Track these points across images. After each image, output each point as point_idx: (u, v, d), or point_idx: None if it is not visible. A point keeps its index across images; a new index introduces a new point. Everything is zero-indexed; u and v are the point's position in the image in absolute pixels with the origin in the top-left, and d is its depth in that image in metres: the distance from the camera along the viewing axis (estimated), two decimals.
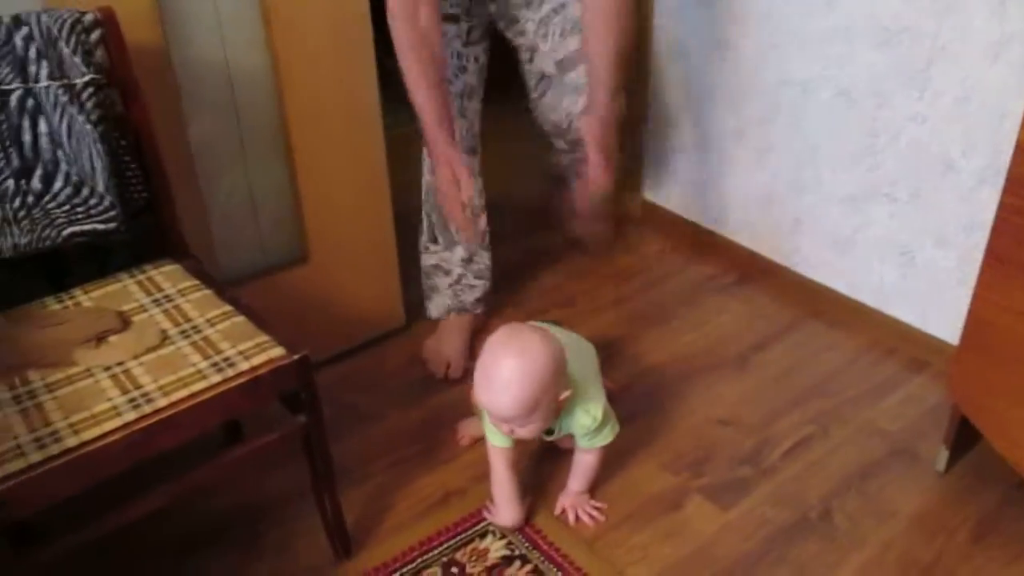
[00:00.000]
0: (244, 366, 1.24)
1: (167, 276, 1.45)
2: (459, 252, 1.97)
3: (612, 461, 1.66)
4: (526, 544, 1.51)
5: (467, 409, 1.78)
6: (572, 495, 1.58)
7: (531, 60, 1.79)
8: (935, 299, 1.90)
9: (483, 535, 1.53)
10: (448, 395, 1.88)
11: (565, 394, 1.41)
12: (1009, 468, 1.51)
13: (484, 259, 2.01)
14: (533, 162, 2.66)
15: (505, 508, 1.54)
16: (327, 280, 1.88)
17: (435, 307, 2.03)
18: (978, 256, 1.46)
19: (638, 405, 1.83)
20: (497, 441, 1.50)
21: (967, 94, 1.69)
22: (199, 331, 1.31)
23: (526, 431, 1.41)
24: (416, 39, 1.53)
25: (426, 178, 1.91)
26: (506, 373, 1.34)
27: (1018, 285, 1.38)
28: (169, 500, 1.24)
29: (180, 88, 1.53)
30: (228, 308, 1.37)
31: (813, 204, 2.06)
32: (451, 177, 1.60)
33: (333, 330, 1.94)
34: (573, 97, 1.78)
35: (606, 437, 1.51)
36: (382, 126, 1.83)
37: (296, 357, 1.26)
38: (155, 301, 1.38)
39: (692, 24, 2.19)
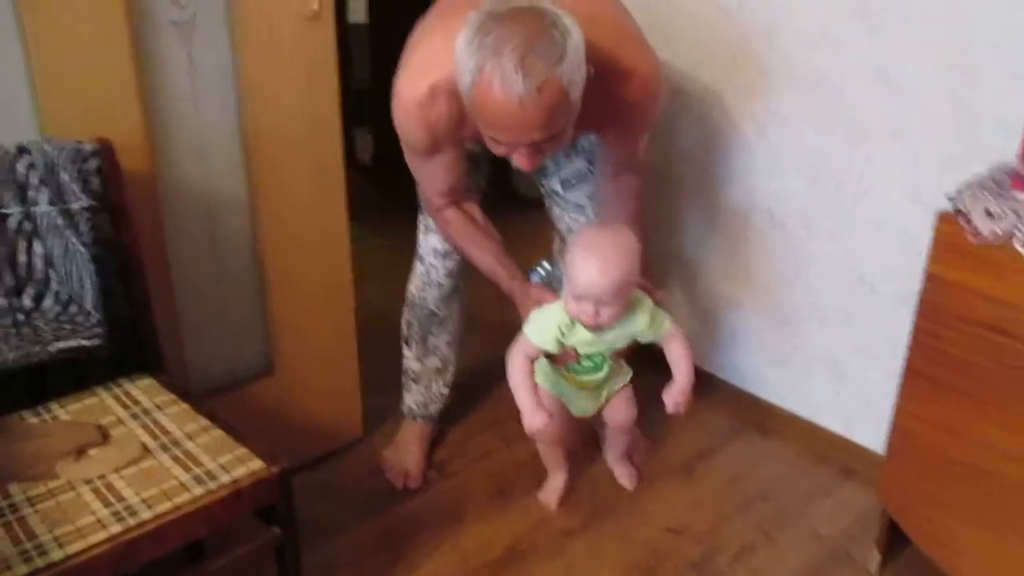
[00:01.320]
0: (226, 479, 1.29)
1: (143, 390, 1.50)
2: (432, 362, 2.04)
3: (571, 569, 1.72)
4: None
5: (427, 521, 1.84)
6: (676, 390, 1.67)
7: (542, 176, 1.92)
8: (862, 410, 2.05)
9: None
10: (408, 505, 1.93)
11: (636, 282, 1.59)
12: (938, 569, 1.62)
13: (453, 370, 2.09)
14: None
15: (532, 414, 1.64)
16: (291, 392, 1.94)
17: (407, 404, 2.09)
18: (899, 370, 1.61)
19: (593, 508, 1.91)
20: (551, 345, 1.62)
21: (882, 224, 1.88)
22: (179, 444, 1.36)
23: (609, 311, 1.54)
24: (452, 217, 1.73)
25: (410, 288, 1.98)
26: (608, 248, 1.52)
27: (935, 399, 1.53)
28: None
29: (164, 212, 1.62)
30: (206, 422, 1.42)
31: (751, 322, 2.22)
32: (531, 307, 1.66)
33: (295, 441, 1.97)
34: (575, 215, 1.92)
35: (667, 318, 1.68)
36: (349, 244, 1.94)
37: (276, 470, 1.32)
38: (133, 415, 1.43)
39: None
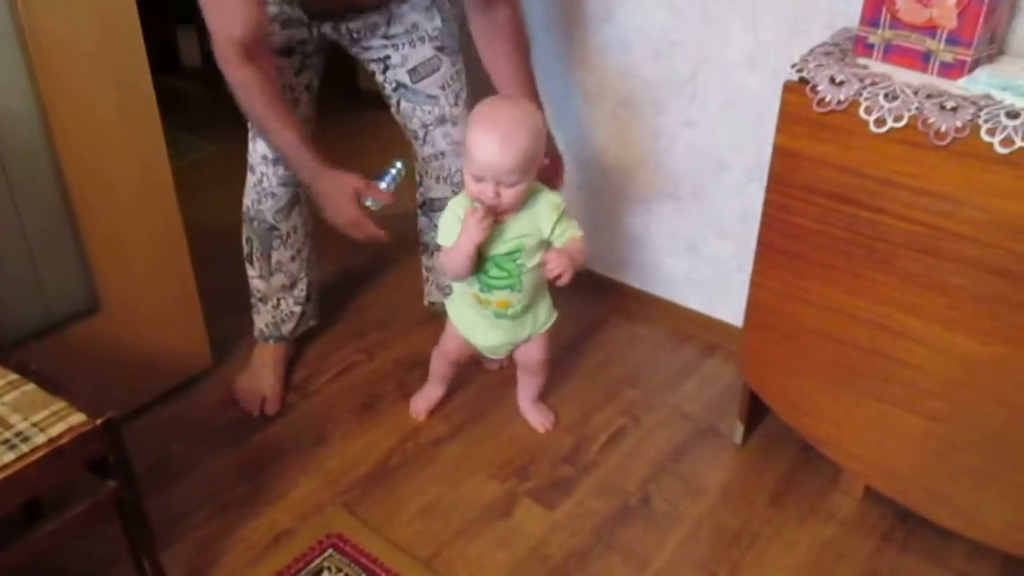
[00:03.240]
0: (41, 439, 1.15)
1: None
2: (278, 280, 1.91)
3: (443, 477, 1.69)
4: (364, 574, 1.50)
5: (288, 446, 1.75)
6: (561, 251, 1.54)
7: (384, 71, 1.77)
8: (721, 287, 2.07)
9: (318, 572, 1.51)
10: (267, 433, 1.83)
11: (542, 161, 1.49)
12: (797, 435, 1.67)
13: (304, 285, 1.97)
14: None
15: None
16: (122, 329, 1.77)
17: (257, 325, 1.97)
18: (752, 244, 1.60)
19: (464, 415, 1.86)
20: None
21: (731, 100, 1.85)
22: None
23: (511, 193, 1.45)
24: (249, 78, 1.49)
25: (246, 202, 1.84)
26: (508, 120, 1.43)
27: (787, 270, 1.54)
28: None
29: None
30: (14, 376, 1.26)
31: (607, 207, 2.18)
32: (347, 199, 1.56)
33: (134, 381, 1.83)
34: (426, 107, 1.78)
35: (577, 228, 1.56)
36: (167, 159, 1.75)
37: (100, 422, 1.19)
38: None
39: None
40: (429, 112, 1.79)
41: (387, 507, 1.64)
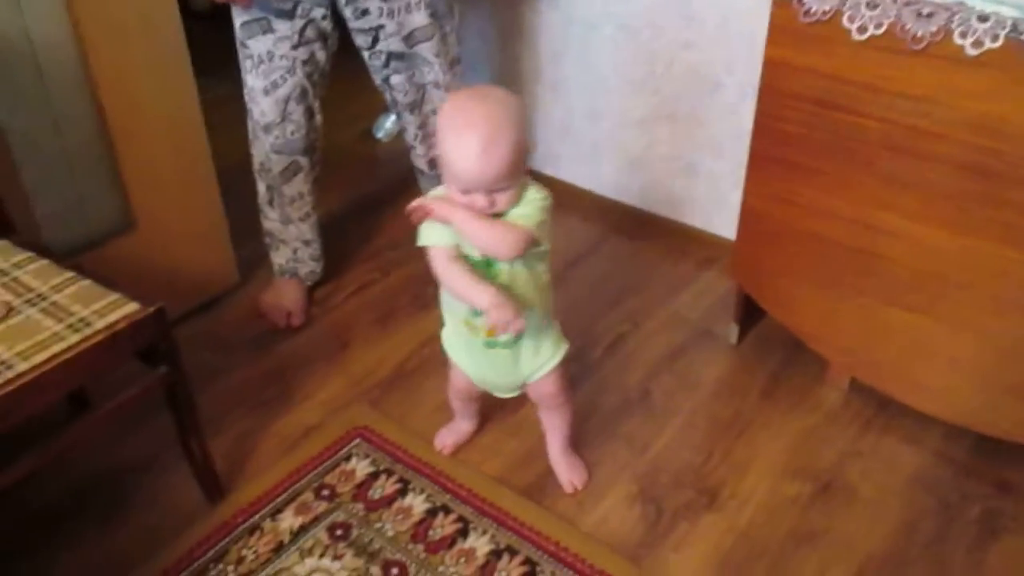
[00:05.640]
0: (100, 324, 1.28)
1: None
2: (293, 231, 2.00)
3: None
4: (389, 459, 1.64)
5: (313, 353, 1.88)
6: None
7: (375, 42, 1.80)
8: (715, 204, 2.18)
9: (348, 458, 1.65)
10: (293, 342, 1.97)
11: (530, 148, 1.31)
12: (788, 333, 1.80)
13: (318, 245, 2.07)
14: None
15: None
16: (156, 246, 1.89)
17: (276, 262, 2.07)
18: (746, 162, 1.71)
19: None
20: (444, 240, 1.30)
21: (725, 20, 1.94)
22: (45, 299, 1.33)
23: (506, 197, 1.26)
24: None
25: (253, 152, 1.93)
26: (484, 124, 1.21)
27: (777, 176, 1.65)
28: (39, 465, 1.28)
29: None
30: (71, 274, 1.39)
31: (608, 130, 2.29)
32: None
33: (167, 296, 1.92)
34: (424, 68, 1.85)
35: (532, 216, 1.29)
36: (196, 90, 1.86)
37: (152, 309, 1.32)
38: None
39: None
40: (427, 73, 1.86)
41: (407, 404, 1.78)
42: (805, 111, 1.55)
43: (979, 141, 1.39)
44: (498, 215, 1.27)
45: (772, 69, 1.57)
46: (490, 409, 1.73)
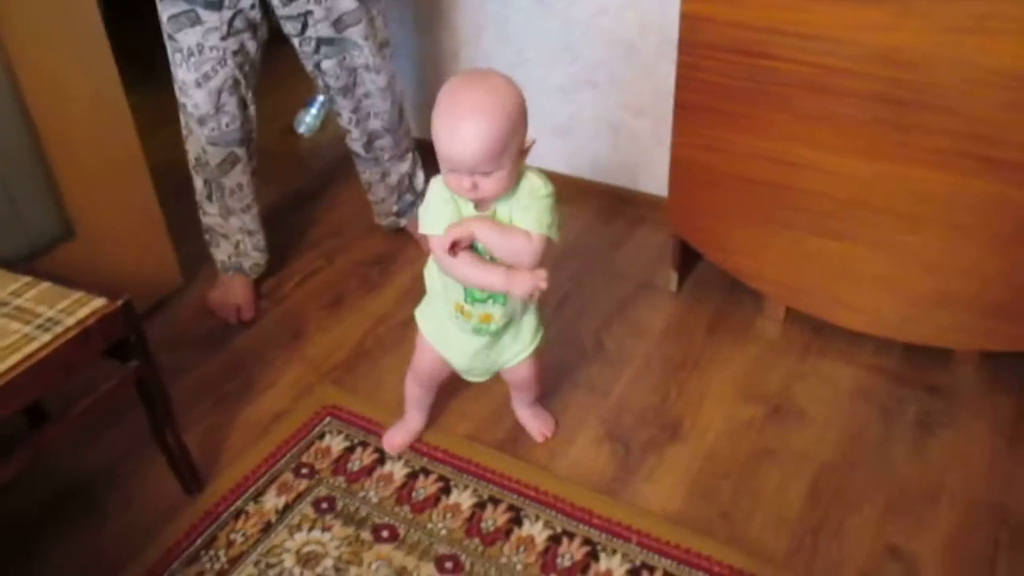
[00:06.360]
0: (71, 321, 1.29)
1: None
2: (235, 223, 2.00)
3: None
4: (362, 432, 1.68)
5: (269, 344, 1.90)
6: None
7: (304, 29, 1.82)
8: (641, 164, 2.28)
9: (321, 436, 1.68)
10: (247, 335, 1.98)
11: (529, 141, 1.30)
12: (725, 274, 1.91)
13: (261, 235, 2.07)
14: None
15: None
16: (97, 253, 1.87)
17: (219, 259, 2.07)
18: (667, 120, 1.81)
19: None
20: (440, 230, 1.30)
21: None
22: (6, 304, 1.32)
23: (491, 183, 1.25)
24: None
25: (188, 147, 1.92)
26: (475, 108, 1.21)
27: (702, 124, 1.75)
28: (23, 467, 1.27)
29: None
30: (27, 279, 1.39)
31: (531, 100, 2.35)
32: None
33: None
34: (353, 52, 1.88)
35: (542, 222, 1.31)
36: (122, 90, 1.84)
37: (120, 303, 1.33)
38: None
39: None
40: (357, 56, 1.89)
41: (371, 379, 1.82)
42: (723, 60, 1.66)
43: (882, 72, 1.52)
44: (507, 220, 1.30)
45: (689, 23, 1.67)
46: (451, 380, 1.78)
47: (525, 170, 1.33)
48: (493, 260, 1.33)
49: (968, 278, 1.62)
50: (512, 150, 1.25)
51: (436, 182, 1.34)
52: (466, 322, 1.43)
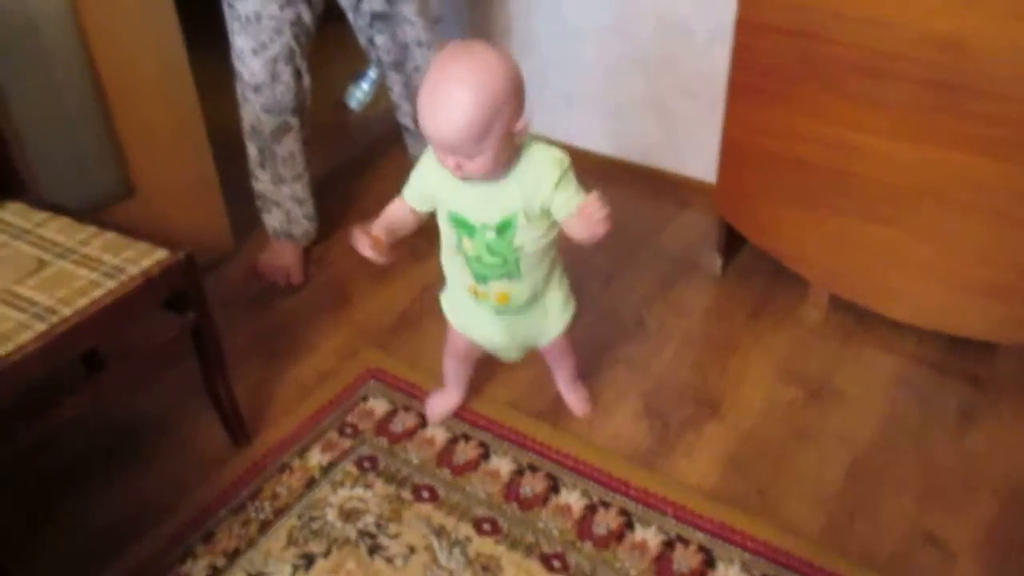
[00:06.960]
0: (135, 270, 1.33)
1: (16, 213, 1.48)
2: (286, 191, 2.04)
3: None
4: (405, 396, 1.72)
5: (316, 308, 1.94)
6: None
7: (359, 2, 1.86)
8: (689, 147, 2.29)
9: (364, 398, 1.72)
10: (295, 299, 2.03)
11: (521, 123, 1.23)
12: (769, 260, 1.92)
13: (312, 204, 2.11)
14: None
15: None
16: (154, 212, 1.93)
17: (270, 225, 2.11)
18: (717, 104, 1.81)
19: None
20: (410, 198, 1.38)
21: None
22: (74, 252, 1.37)
23: (475, 165, 1.22)
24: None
25: (243, 115, 1.96)
26: (456, 87, 1.17)
27: (755, 106, 1.75)
28: (80, 411, 1.32)
29: None
30: (94, 229, 1.43)
31: (578, 81, 2.37)
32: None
33: None
34: (406, 27, 1.90)
35: (581, 191, 1.31)
36: (185, 53, 1.89)
37: (182, 255, 1.37)
38: (14, 236, 1.42)
39: None
40: (409, 31, 1.91)
41: (415, 345, 1.86)
42: (779, 41, 1.66)
43: (939, 58, 1.51)
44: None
45: (747, 3, 1.67)
46: None
47: (530, 143, 1.29)
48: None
49: (1019, 271, 1.61)
50: (497, 132, 1.19)
51: (428, 155, 1.34)
52: (485, 303, 1.42)
